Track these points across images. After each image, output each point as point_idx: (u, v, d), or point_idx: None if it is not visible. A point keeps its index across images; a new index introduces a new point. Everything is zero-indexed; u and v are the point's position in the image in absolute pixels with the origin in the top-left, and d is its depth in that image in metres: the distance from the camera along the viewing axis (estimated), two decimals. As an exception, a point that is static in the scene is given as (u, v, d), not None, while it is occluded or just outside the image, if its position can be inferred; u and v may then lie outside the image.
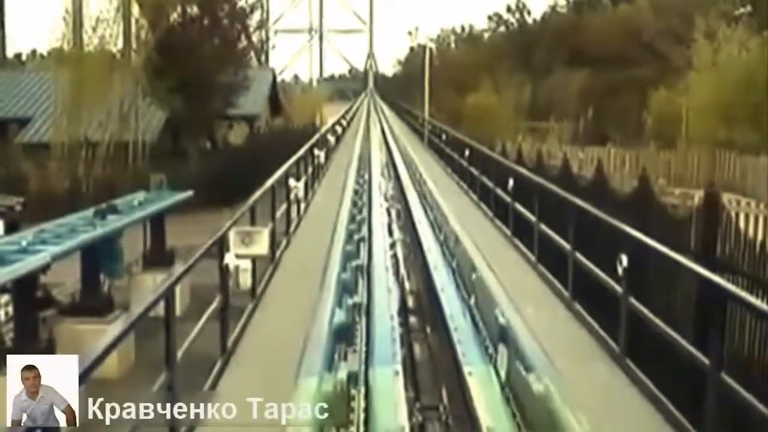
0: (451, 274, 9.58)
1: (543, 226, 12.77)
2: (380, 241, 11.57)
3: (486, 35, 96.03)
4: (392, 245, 11.68)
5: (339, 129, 39.96)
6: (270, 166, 15.84)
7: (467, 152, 24.24)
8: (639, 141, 49.58)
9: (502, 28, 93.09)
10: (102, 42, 37.63)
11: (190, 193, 20.75)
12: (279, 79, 69.82)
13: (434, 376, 6.81)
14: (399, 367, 6.17)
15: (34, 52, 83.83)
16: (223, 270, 8.84)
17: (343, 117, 50.47)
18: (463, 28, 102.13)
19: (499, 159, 20.00)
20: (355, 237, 11.73)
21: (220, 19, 39.46)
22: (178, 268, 7.42)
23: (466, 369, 6.12)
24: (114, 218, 16.29)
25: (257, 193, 11.91)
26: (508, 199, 15.53)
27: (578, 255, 10.74)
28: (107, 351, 4.81)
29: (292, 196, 15.82)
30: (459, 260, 10.24)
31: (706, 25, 46.95)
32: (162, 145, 37.30)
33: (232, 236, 9.63)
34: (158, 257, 19.09)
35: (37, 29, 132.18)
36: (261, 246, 10.15)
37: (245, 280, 10.83)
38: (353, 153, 30.02)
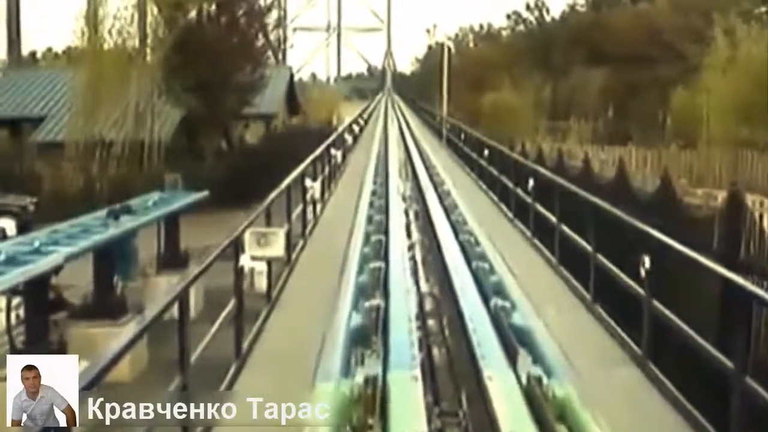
0: (470, 276, 9.43)
1: (564, 227, 12.65)
2: (398, 242, 11.44)
3: (505, 34, 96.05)
4: (410, 247, 11.55)
5: (356, 128, 39.96)
6: (286, 165, 15.75)
7: (486, 152, 24.13)
8: (660, 140, 49.38)
9: (521, 27, 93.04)
10: (118, 40, 37.63)
11: (205, 193, 20.64)
12: (296, 77, 69.85)
13: (454, 381, 6.66)
14: (417, 372, 6.03)
15: (49, 50, 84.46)
16: (238, 272, 8.73)
17: (360, 116, 50.52)
18: (481, 27, 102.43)
19: (518, 159, 19.87)
20: (373, 239, 11.60)
21: (238, 18, 39.42)
22: (193, 269, 7.33)
23: (486, 373, 5.96)
24: (128, 219, 16.16)
25: (273, 194, 11.80)
26: (528, 199, 15.39)
27: (600, 257, 10.61)
28: (120, 354, 4.79)
29: (308, 196, 15.71)
30: (478, 262, 10.09)
31: (726, 23, 46.67)
32: (177, 144, 37.16)
33: (247, 237, 9.52)
34: (173, 259, 18.92)
35: (52, 27, 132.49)
36: (277, 247, 10.03)
37: (260, 283, 10.71)
38: (371, 152, 29.95)
